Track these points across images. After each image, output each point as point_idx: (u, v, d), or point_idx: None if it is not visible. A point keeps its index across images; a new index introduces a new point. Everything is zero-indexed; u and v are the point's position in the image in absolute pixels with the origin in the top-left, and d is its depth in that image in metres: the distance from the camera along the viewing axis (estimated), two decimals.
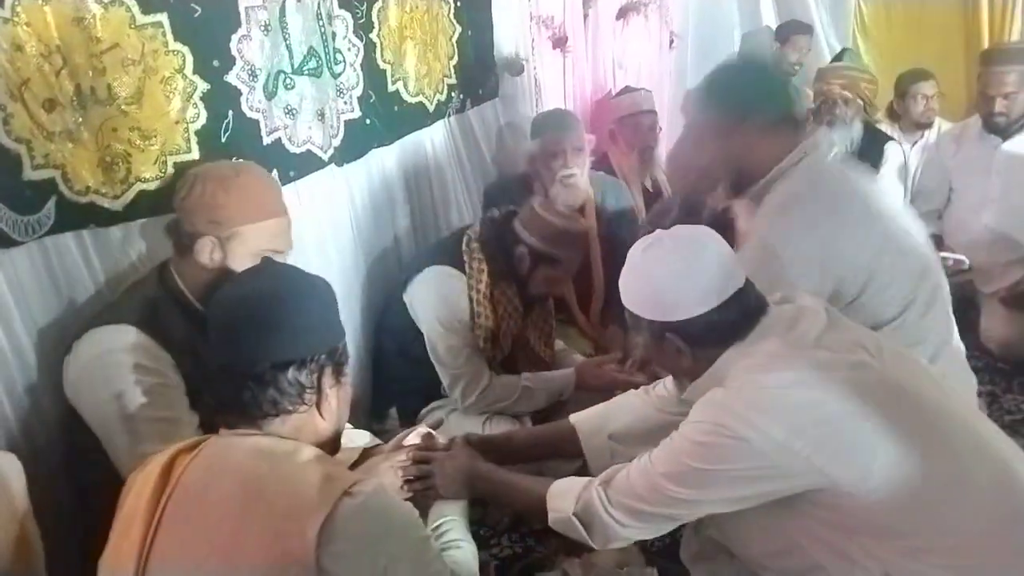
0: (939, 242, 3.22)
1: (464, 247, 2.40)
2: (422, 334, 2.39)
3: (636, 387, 1.95)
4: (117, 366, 1.59)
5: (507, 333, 2.41)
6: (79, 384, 1.63)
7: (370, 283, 2.68)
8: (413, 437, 1.83)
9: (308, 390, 1.27)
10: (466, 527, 1.71)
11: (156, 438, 1.55)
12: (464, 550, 1.60)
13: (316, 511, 1.12)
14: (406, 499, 1.60)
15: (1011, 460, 1.42)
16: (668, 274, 1.44)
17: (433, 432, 1.86)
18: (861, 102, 3.34)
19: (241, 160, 1.94)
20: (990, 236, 3.12)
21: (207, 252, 1.69)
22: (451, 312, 2.34)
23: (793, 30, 4.34)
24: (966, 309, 3.19)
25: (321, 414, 1.30)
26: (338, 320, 1.37)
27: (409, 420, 2.47)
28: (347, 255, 2.58)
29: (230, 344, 1.26)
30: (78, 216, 1.72)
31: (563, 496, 1.60)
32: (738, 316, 1.44)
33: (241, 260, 1.69)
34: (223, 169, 1.79)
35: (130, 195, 1.81)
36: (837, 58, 3.53)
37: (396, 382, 2.56)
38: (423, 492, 1.73)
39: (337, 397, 1.33)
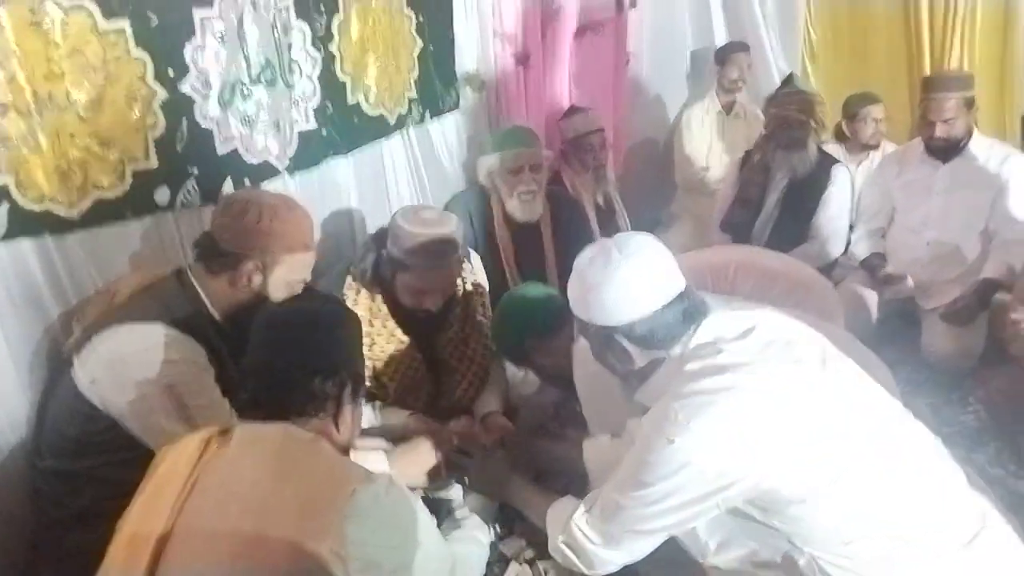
0: (882, 260, 3.33)
1: (346, 276, 2.37)
2: None
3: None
4: (163, 361, 1.66)
5: (392, 361, 2.37)
6: (111, 379, 1.65)
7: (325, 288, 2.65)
8: (454, 424, 2.13)
9: (330, 400, 1.44)
10: (487, 524, 1.88)
11: (210, 421, 1.61)
12: (477, 544, 1.76)
13: (344, 485, 1.26)
14: (431, 483, 1.94)
15: (940, 470, 1.50)
16: (612, 280, 1.48)
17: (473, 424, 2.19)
18: (814, 124, 3.44)
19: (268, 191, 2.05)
20: (931, 254, 3.21)
21: (249, 275, 1.79)
22: None
23: (732, 49, 4.47)
24: (908, 325, 3.30)
25: (337, 426, 1.46)
26: (362, 352, 1.59)
27: None
28: None
29: (274, 346, 1.47)
30: (32, 224, 1.70)
31: (555, 523, 1.67)
32: (680, 317, 1.49)
33: (277, 286, 1.84)
34: (274, 199, 1.89)
35: (87, 203, 1.80)
36: (786, 82, 3.62)
37: None
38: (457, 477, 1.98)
39: (352, 415, 1.50)
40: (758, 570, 1.58)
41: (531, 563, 2.02)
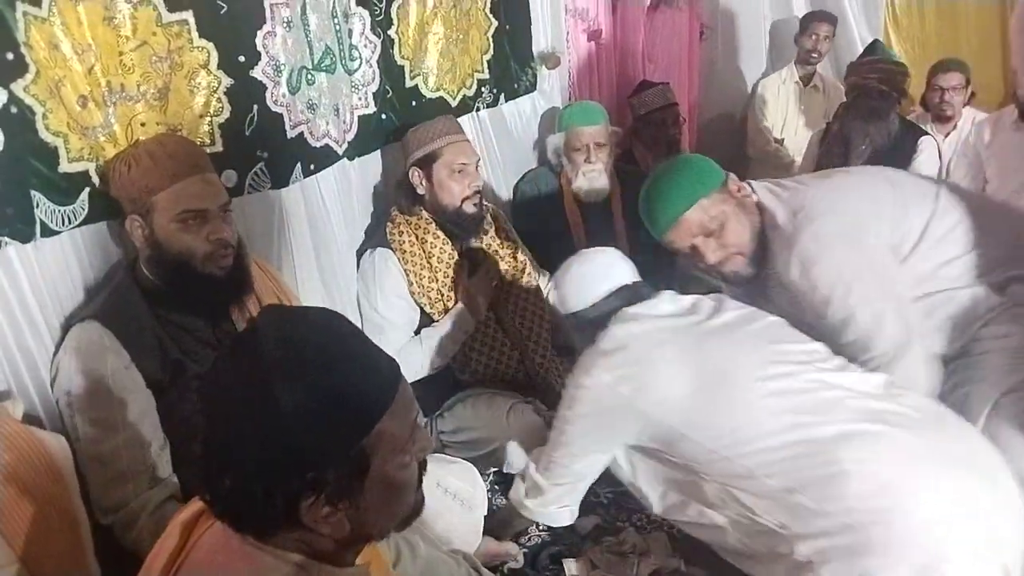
0: None
1: (387, 224, 2.53)
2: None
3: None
4: (68, 366, 1.65)
5: (442, 267, 2.51)
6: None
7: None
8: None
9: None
10: None
11: (90, 438, 1.63)
12: None
13: None
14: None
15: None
16: (566, 278, 2.01)
17: None
18: (896, 95, 3.30)
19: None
20: None
21: (136, 232, 1.75)
22: (383, 287, 2.47)
23: (810, 19, 4.30)
24: None
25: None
26: None
27: (431, 409, 2.53)
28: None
29: None
30: (109, 207, 1.80)
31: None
32: (623, 303, 1.90)
33: (165, 230, 1.73)
34: (130, 148, 1.77)
35: None
36: (869, 50, 3.48)
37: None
38: None
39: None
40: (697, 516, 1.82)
41: None
